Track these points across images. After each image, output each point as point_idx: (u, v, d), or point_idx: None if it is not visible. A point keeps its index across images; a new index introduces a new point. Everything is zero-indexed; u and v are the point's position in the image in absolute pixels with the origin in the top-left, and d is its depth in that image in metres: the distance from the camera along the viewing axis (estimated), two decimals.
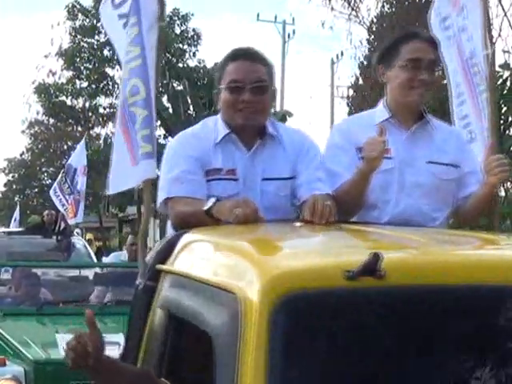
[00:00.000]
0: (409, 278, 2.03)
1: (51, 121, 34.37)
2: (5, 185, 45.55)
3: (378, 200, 3.38)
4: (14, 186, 44.96)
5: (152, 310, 2.72)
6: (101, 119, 30.51)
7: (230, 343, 1.94)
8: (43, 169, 44.38)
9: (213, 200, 2.98)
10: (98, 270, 8.14)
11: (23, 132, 43.35)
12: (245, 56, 3.19)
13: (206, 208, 2.94)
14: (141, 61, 3.52)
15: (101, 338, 2.43)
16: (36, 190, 44.68)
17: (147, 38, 3.55)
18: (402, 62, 3.42)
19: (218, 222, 2.90)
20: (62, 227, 11.62)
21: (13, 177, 44.91)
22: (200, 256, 2.63)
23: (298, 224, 2.98)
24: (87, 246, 12.91)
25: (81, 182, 11.63)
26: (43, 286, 7.13)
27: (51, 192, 12.03)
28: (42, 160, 43.62)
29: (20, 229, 15.27)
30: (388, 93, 3.54)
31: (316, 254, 2.32)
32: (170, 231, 3.23)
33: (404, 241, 2.56)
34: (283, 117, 24.74)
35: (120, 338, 5.19)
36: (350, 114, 22.61)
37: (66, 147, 42.25)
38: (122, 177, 3.59)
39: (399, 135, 3.44)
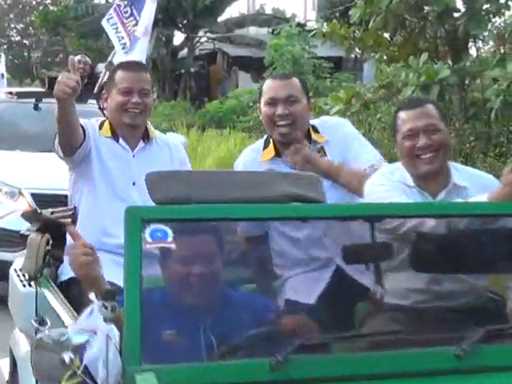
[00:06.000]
0: None
1: None
2: None
3: None
4: None
5: None
6: None
7: None
8: (12, 25, 43.44)
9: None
10: None
11: None
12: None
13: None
14: None
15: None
16: (5, 46, 43.79)
17: None
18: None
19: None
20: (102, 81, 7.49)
21: None
22: None
23: None
24: None
25: (148, 12, 7.34)
26: None
27: (103, 22, 7.90)
28: (11, 16, 42.60)
29: (34, 89, 10.69)
30: None
31: None
32: None
33: None
34: None
35: None
36: None
37: (34, 2, 41.14)
38: None
39: None
